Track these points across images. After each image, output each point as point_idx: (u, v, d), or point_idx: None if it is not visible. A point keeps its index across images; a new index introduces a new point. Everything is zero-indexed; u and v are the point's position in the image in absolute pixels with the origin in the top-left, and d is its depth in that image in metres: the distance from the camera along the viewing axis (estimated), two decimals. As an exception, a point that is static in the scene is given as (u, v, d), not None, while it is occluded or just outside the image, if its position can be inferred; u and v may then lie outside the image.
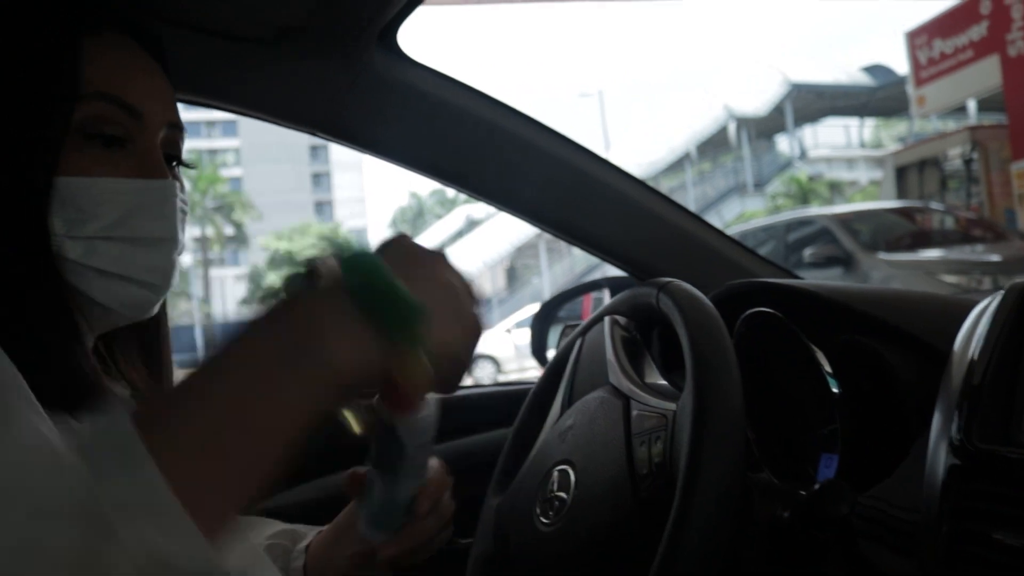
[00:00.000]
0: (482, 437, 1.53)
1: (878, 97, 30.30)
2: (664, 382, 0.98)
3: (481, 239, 33.48)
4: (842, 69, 32.02)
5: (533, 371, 1.84)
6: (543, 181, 1.37)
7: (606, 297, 1.51)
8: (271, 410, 0.49)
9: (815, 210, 11.83)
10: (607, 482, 0.85)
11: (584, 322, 1.15)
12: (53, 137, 0.67)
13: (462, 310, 0.58)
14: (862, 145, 35.61)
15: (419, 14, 1.15)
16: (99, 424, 0.47)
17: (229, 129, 56.99)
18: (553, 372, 1.15)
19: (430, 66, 1.25)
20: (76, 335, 0.69)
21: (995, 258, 7.45)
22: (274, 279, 45.45)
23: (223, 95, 1.21)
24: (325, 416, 0.52)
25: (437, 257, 0.59)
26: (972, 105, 14.96)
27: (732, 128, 31.87)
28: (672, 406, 0.83)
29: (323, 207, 61.28)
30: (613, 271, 1.56)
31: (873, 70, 31.07)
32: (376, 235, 65.96)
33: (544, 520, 0.90)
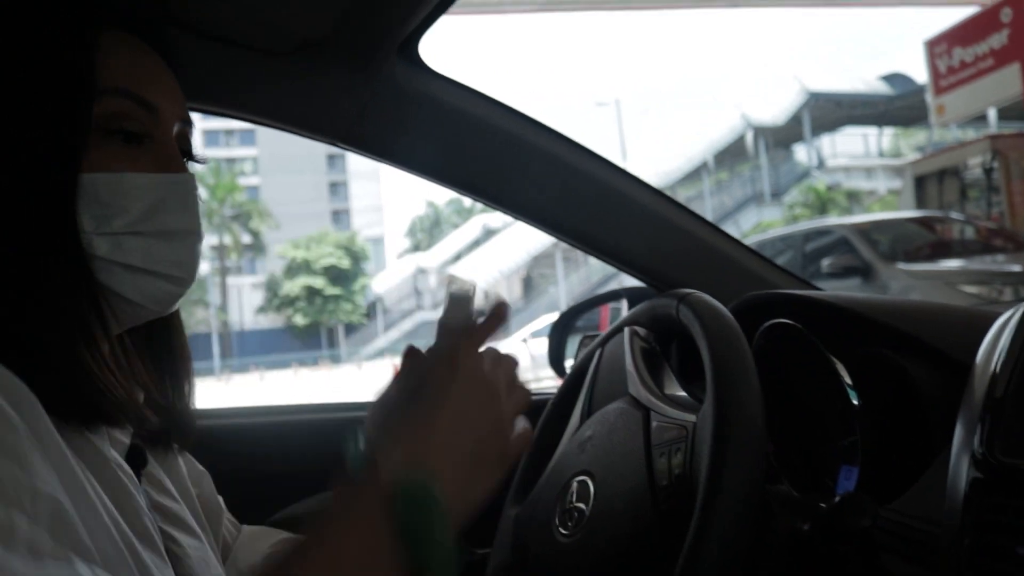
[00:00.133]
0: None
1: (897, 106, 30.18)
2: (684, 393, 0.98)
3: (498, 248, 33.52)
4: (860, 78, 31.93)
5: (549, 381, 1.83)
6: (561, 191, 1.37)
7: (624, 307, 1.51)
8: None
9: (833, 220, 11.77)
10: (626, 493, 0.85)
11: (604, 333, 1.15)
12: (76, 133, 0.67)
13: (499, 422, 0.68)
14: (881, 154, 35.43)
15: (438, 21, 1.15)
16: None
17: (247, 138, 57.28)
18: (573, 382, 1.15)
19: (450, 76, 1.26)
20: (91, 337, 0.68)
21: (1016, 268, 7.37)
22: (291, 288, 45.68)
23: (244, 105, 1.23)
24: None
25: (490, 363, 0.70)
26: (992, 114, 14.87)
27: (750, 137, 31.80)
28: (692, 417, 0.83)
29: (340, 216, 61.47)
30: (630, 281, 1.55)
31: (892, 79, 30.96)
32: (393, 243, 66.16)
33: (563, 531, 0.90)
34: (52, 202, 0.65)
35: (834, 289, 1.29)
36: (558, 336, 1.59)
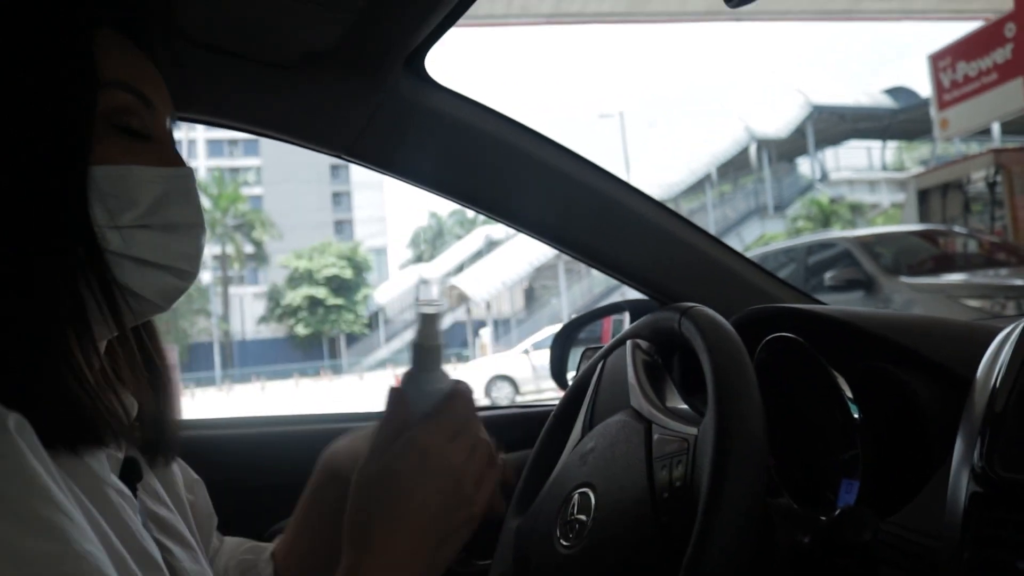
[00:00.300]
0: (501, 458, 1.53)
1: (900, 119, 30.19)
2: (685, 406, 0.99)
3: (500, 260, 33.49)
4: (864, 91, 31.96)
5: (551, 392, 1.83)
6: (564, 204, 1.38)
7: (626, 320, 1.52)
8: None
9: (836, 233, 11.77)
10: (628, 505, 0.85)
11: (606, 345, 1.15)
12: (83, 124, 0.66)
13: (466, 508, 0.72)
14: (884, 168, 35.42)
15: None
16: None
17: (251, 148, 57.35)
18: (574, 394, 1.16)
19: (455, 90, 1.26)
20: (90, 342, 0.66)
21: (1019, 282, 7.36)
22: (293, 298, 45.67)
23: (250, 118, 1.23)
24: None
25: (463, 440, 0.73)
26: (996, 128, 14.87)
27: (753, 150, 31.81)
28: (693, 430, 0.83)
29: (343, 226, 61.50)
30: (632, 293, 1.56)
31: (895, 92, 30.97)
32: (396, 254, 66.19)
33: (564, 543, 0.90)
34: (65, 195, 0.65)
35: (837, 302, 1.30)
36: (560, 348, 1.59)
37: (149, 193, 0.70)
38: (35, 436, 0.57)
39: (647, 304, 1.49)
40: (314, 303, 46.95)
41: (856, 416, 0.88)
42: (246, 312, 50.71)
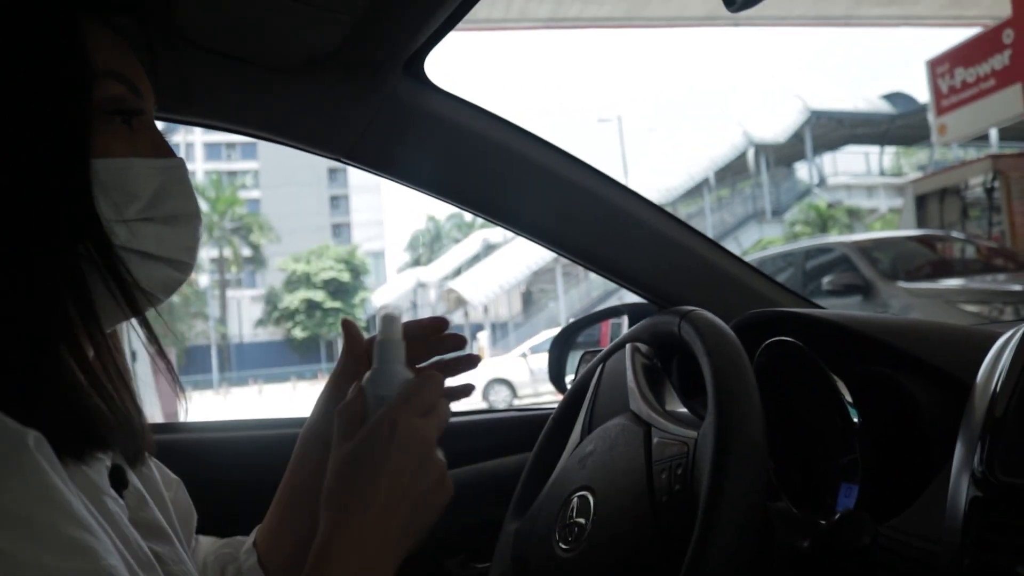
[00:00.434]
0: (500, 462, 1.53)
1: (898, 125, 30.25)
2: (685, 410, 0.99)
3: (498, 263, 33.47)
4: (862, 96, 32.01)
5: (548, 396, 1.82)
6: (563, 207, 1.38)
7: (625, 324, 1.52)
8: None
9: (834, 238, 11.77)
10: (627, 509, 0.85)
11: (605, 349, 1.15)
12: (81, 115, 0.66)
13: (435, 473, 0.73)
14: (882, 173, 35.46)
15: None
16: None
17: (248, 151, 57.36)
18: (574, 398, 1.16)
19: (454, 93, 1.26)
20: (101, 341, 0.66)
21: (1017, 287, 7.37)
22: (290, 301, 45.64)
23: (249, 121, 1.23)
24: None
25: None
26: (994, 134, 14.90)
27: (751, 155, 31.83)
28: (693, 434, 0.83)
29: (341, 229, 61.53)
30: (630, 297, 1.56)
31: (893, 98, 31.03)
32: (393, 257, 66.20)
33: (563, 546, 0.90)
34: (70, 190, 0.64)
35: (835, 307, 1.30)
36: (558, 352, 1.59)
37: (148, 185, 0.70)
38: (52, 452, 0.57)
39: (645, 308, 1.49)
40: (312, 306, 46.96)
41: (855, 420, 0.88)
42: (243, 315, 50.70)
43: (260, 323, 49.90)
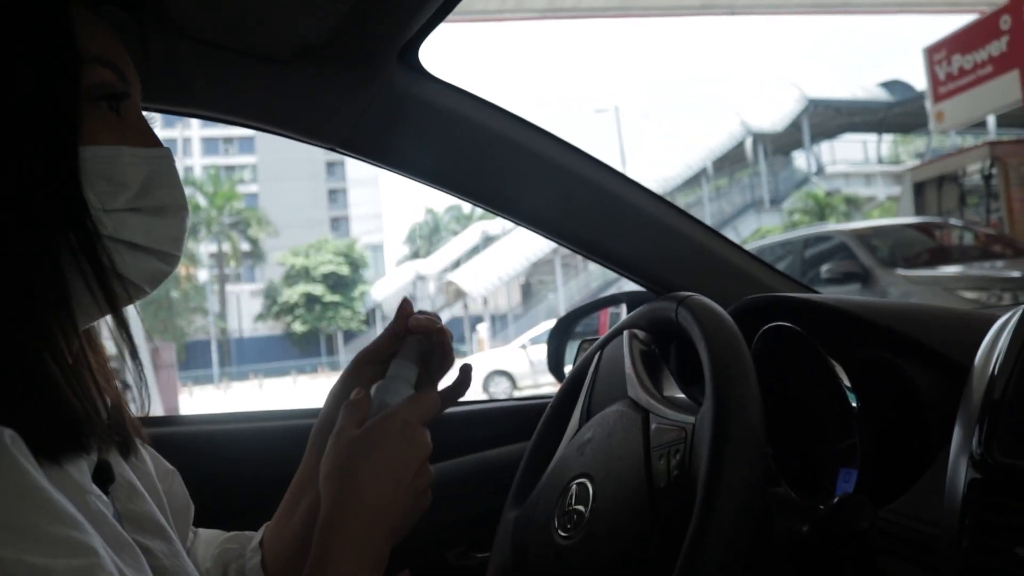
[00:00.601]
0: (499, 451, 1.53)
1: (896, 113, 30.25)
2: (683, 395, 0.99)
3: (497, 255, 33.48)
4: (859, 85, 31.99)
5: (548, 387, 1.82)
6: (562, 196, 1.37)
7: (623, 312, 1.51)
8: None
9: (832, 226, 11.76)
10: (625, 495, 0.85)
11: (603, 336, 1.15)
12: (68, 101, 0.64)
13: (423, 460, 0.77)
14: (880, 161, 35.49)
15: (438, 29, 1.16)
16: None
17: (246, 146, 57.25)
18: (572, 386, 1.16)
19: (450, 82, 1.26)
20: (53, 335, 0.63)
21: (1015, 274, 7.37)
22: (290, 295, 45.63)
23: (244, 111, 1.23)
24: None
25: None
26: (991, 120, 14.88)
27: (749, 144, 31.84)
28: (691, 419, 0.83)
29: (339, 223, 61.46)
30: (629, 287, 1.55)
31: (891, 86, 31.01)
32: (392, 250, 66.15)
33: (562, 533, 0.90)
34: (58, 178, 0.63)
35: (834, 294, 1.29)
36: (557, 341, 1.59)
37: (137, 175, 0.69)
38: (27, 449, 0.55)
39: (644, 296, 1.49)
40: (311, 300, 46.94)
41: (854, 404, 0.88)
42: (243, 310, 50.69)
43: (260, 318, 49.87)
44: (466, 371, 0.89)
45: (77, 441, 0.61)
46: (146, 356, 0.84)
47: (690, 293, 0.91)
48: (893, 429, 0.91)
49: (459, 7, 1.11)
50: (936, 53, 14.12)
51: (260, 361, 43.40)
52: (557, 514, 0.93)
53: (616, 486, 0.87)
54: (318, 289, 46.63)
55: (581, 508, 0.89)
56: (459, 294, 34.83)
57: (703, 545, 0.69)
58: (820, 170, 32.89)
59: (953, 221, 10.18)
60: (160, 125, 0.78)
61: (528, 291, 38.04)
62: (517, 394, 15.67)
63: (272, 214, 48.43)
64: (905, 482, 0.83)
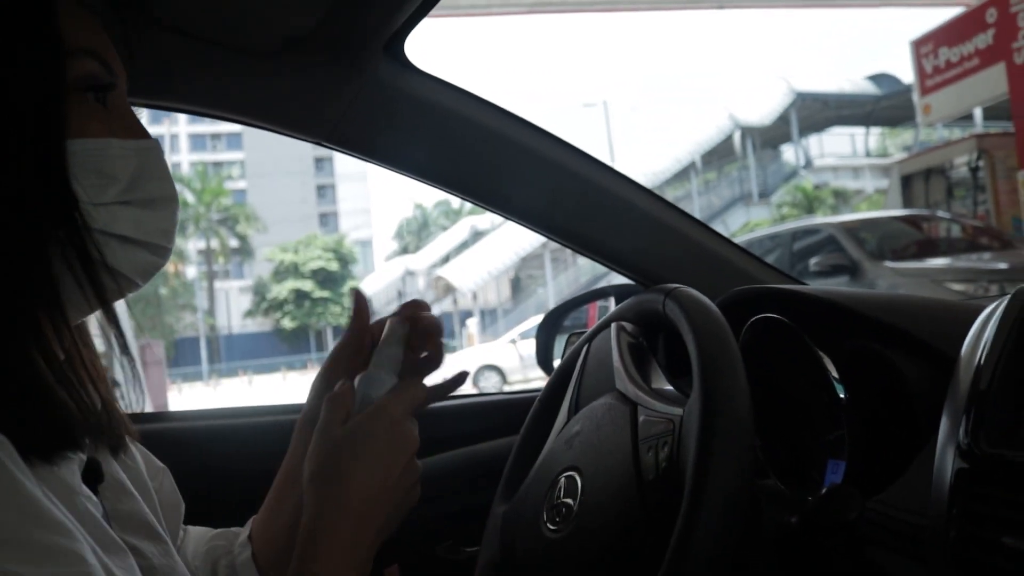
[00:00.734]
0: (488, 445, 1.53)
1: (883, 106, 30.35)
2: (671, 388, 0.98)
3: (486, 250, 33.45)
4: (847, 78, 32.08)
5: (538, 382, 1.82)
6: (550, 190, 1.37)
7: (612, 305, 1.51)
8: None
9: (821, 219, 11.81)
10: (614, 488, 0.85)
11: (591, 329, 1.15)
12: (55, 93, 0.63)
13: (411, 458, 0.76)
14: (868, 154, 35.60)
15: (424, 24, 1.15)
16: None
17: (234, 142, 57.08)
18: (560, 379, 1.15)
19: (437, 76, 1.25)
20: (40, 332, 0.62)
21: (1002, 266, 7.43)
22: (279, 291, 45.51)
23: (228, 105, 1.22)
24: None
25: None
26: (978, 113, 14.95)
27: (737, 137, 31.88)
28: (679, 411, 0.83)
29: (328, 218, 61.37)
30: (619, 281, 1.55)
31: (878, 79, 31.10)
32: (381, 246, 66.02)
33: (551, 527, 0.90)
34: (46, 171, 0.62)
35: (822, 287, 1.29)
36: (545, 335, 1.59)
37: (126, 167, 0.68)
38: (16, 453, 0.54)
39: (632, 289, 1.49)
40: (300, 296, 46.85)
41: (842, 396, 0.88)
42: (232, 306, 50.55)
43: (249, 314, 49.75)
44: (461, 377, 0.90)
45: (69, 439, 0.61)
46: (135, 353, 0.83)
47: (677, 285, 0.91)
48: (881, 420, 0.91)
49: (446, 1, 1.10)
50: (923, 46, 14.15)
51: (249, 357, 43.28)
52: (546, 508, 0.92)
53: (604, 479, 0.87)
54: (307, 285, 46.54)
55: (570, 501, 0.89)
56: (448, 289, 34.80)
57: (692, 537, 0.68)
58: (808, 163, 32.97)
59: (940, 213, 10.24)
60: (147, 121, 0.77)
61: (517, 286, 38.03)
62: (507, 388, 15.69)
63: (260, 210, 48.27)
64: (893, 473, 0.83)
